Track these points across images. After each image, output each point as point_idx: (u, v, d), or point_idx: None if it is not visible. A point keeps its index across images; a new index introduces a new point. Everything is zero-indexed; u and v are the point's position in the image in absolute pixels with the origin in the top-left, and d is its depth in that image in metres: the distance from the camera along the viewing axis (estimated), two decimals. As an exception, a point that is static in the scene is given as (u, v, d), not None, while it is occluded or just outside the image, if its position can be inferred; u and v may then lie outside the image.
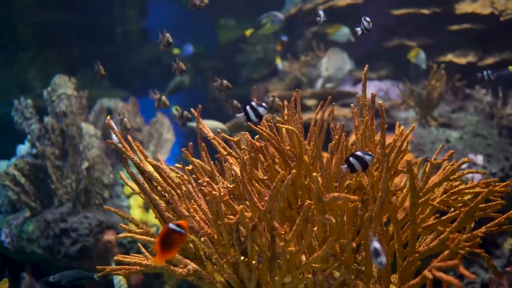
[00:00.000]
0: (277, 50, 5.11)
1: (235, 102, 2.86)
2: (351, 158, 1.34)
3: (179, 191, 1.54)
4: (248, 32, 3.97)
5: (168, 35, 2.47)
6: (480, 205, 1.36)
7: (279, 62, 5.16)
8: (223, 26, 7.24)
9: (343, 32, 4.64)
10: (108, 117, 1.69)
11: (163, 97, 2.55)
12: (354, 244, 1.28)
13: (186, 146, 1.66)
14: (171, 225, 1.33)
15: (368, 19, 2.44)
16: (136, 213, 3.78)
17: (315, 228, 1.34)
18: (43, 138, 3.76)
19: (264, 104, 2.00)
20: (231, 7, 6.91)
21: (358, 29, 2.45)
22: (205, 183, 1.39)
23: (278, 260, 1.37)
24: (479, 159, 3.51)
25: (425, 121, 4.02)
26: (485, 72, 3.59)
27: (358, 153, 1.34)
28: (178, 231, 1.35)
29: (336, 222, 1.32)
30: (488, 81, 3.61)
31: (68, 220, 3.55)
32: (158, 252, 1.36)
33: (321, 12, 2.68)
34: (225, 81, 2.71)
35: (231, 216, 1.32)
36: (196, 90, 7.04)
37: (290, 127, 1.48)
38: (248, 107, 1.79)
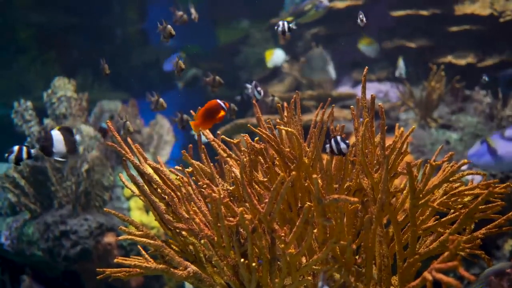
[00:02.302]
0: (280, 44, 5.01)
1: (232, 105, 2.84)
2: (332, 141, 1.41)
3: (179, 193, 1.53)
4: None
5: (169, 26, 2.40)
6: (480, 207, 1.36)
7: (269, 59, 4.79)
8: (223, 27, 7.25)
9: (373, 47, 4.63)
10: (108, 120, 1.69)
11: (161, 99, 2.53)
12: (354, 246, 1.28)
13: (187, 148, 1.66)
14: (218, 100, 1.63)
15: (362, 16, 2.44)
16: (136, 215, 3.78)
17: (315, 230, 1.34)
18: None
19: (259, 89, 2.18)
20: (231, 8, 6.92)
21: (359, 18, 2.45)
22: (205, 185, 1.39)
23: (278, 262, 1.37)
24: (479, 160, 3.51)
25: (425, 122, 4.02)
26: (485, 77, 3.62)
27: (338, 138, 1.40)
28: (223, 107, 1.64)
29: (336, 224, 1.32)
30: (490, 85, 3.65)
31: (68, 223, 3.55)
32: (199, 119, 1.63)
33: (280, 22, 2.50)
34: (217, 77, 2.67)
35: (231, 218, 1.32)
36: (195, 91, 7.04)
37: (290, 129, 1.48)
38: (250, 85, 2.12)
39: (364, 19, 2.42)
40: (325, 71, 4.64)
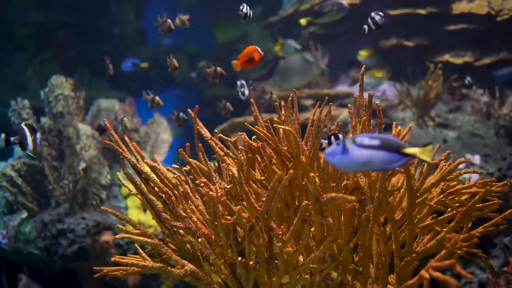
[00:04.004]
0: (279, 42, 5.01)
1: (228, 104, 2.83)
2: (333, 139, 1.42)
3: (176, 192, 1.53)
4: (303, 21, 3.89)
5: (169, 21, 2.40)
6: (477, 205, 1.36)
7: (280, 48, 4.82)
8: (221, 26, 7.24)
9: (371, 58, 4.65)
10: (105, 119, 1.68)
11: (157, 97, 2.52)
12: (351, 245, 1.28)
13: (185, 147, 1.65)
14: (256, 46, 2.08)
15: (381, 13, 2.45)
16: (133, 214, 3.78)
17: (312, 229, 1.34)
18: (40, 139, 3.75)
19: (243, 90, 2.41)
20: (229, 7, 6.91)
21: (365, 27, 2.45)
22: (202, 184, 1.39)
23: (276, 261, 1.37)
24: (476, 159, 3.52)
25: (422, 121, 4.02)
26: (468, 78, 3.67)
27: (340, 135, 1.41)
28: (259, 52, 2.06)
29: (334, 223, 1.32)
30: (468, 86, 3.71)
31: (65, 221, 3.55)
32: (241, 60, 2.10)
33: (244, 4, 2.56)
34: (219, 68, 2.66)
35: (228, 217, 1.32)
36: (193, 90, 7.04)
37: (287, 128, 1.48)
38: (239, 83, 2.33)
39: (382, 19, 2.44)
40: (310, 72, 4.62)
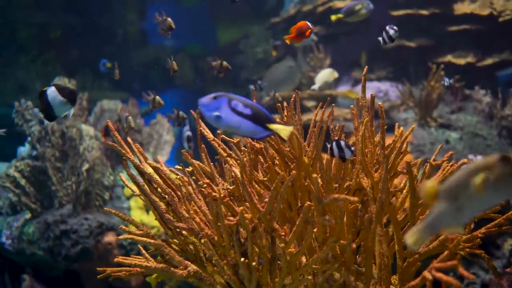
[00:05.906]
0: (273, 56, 5.03)
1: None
2: (335, 146, 1.43)
3: (179, 193, 1.54)
4: (334, 17, 3.93)
5: (169, 19, 2.39)
6: (479, 206, 1.36)
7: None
8: (223, 27, 7.25)
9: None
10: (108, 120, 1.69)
11: (157, 97, 2.51)
12: (354, 245, 1.28)
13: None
14: (307, 21, 2.24)
15: (395, 27, 2.48)
16: (136, 214, 3.78)
17: (315, 230, 1.34)
18: (43, 140, 3.76)
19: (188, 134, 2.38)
20: (231, 8, 6.92)
21: (380, 39, 2.48)
22: (205, 185, 1.40)
23: (278, 262, 1.37)
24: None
25: (424, 122, 4.02)
26: (446, 80, 3.68)
27: (342, 143, 1.42)
28: (310, 27, 2.19)
29: (336, 223, 1.32)
30: (449, 87, 3.73)
31: (68, 222, 3.55)
32: (292, 34, 2.23)
33: None
34: (224, 62, 2.64)
35: (231, 218, 1.32)
36: (195, 91, 7.04)
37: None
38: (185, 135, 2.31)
39: (396, 34, 2.47)
40: (295, 76, 4.62)
